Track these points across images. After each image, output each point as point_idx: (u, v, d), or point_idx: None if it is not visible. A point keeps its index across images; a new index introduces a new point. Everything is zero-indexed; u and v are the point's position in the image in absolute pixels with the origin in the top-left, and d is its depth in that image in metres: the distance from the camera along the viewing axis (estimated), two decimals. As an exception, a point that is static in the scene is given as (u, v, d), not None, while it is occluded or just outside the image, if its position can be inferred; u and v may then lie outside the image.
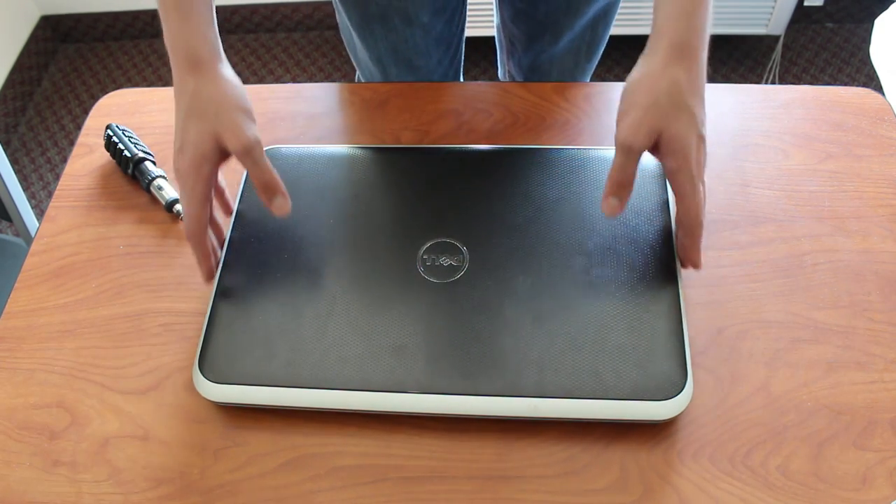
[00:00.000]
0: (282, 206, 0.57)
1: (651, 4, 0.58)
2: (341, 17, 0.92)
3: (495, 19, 1.03)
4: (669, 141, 0.53)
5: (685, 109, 0.53)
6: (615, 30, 0.96)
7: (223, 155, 0.56)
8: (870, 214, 0.64)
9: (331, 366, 0.54)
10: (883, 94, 0.76)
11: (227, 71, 0.57)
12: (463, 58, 1.01)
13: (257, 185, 0.56)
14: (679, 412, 0.52)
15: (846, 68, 1.93)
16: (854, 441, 0.52)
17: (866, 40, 1.90)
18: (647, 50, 0.55)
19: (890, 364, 0.55)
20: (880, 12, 1.37)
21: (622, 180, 0.54)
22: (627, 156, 0.53)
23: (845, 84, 1.89)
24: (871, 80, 1.89)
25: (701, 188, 0.54)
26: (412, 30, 0.87)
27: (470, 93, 0.76)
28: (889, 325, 0.57)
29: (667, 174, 0.54)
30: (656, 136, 0.53)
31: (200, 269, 0.58)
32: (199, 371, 0.55)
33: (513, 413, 0.52)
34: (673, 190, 0.54)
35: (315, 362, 0.54)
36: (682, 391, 0.51)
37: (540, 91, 0.76)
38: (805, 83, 1.91)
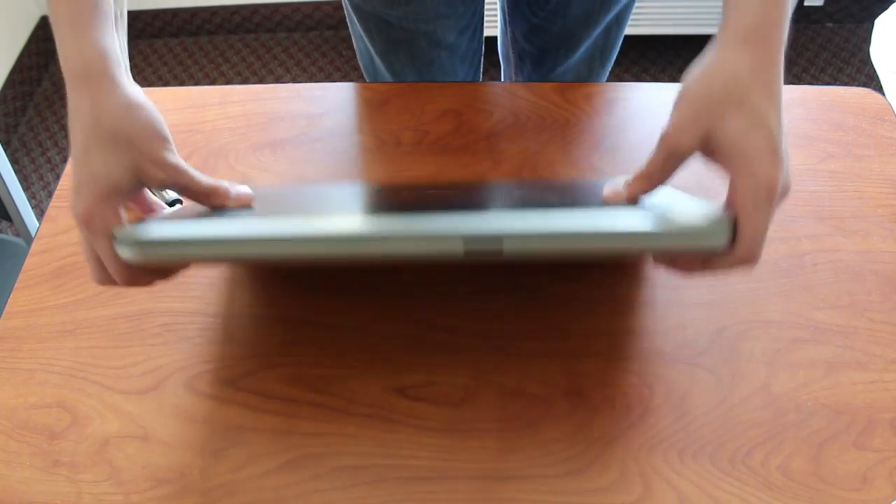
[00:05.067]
0: (237, 198, 0.51)
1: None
2: (360, 43, 0.91)
3: (501, 35, 1.00)
4: (722, 142, 0.43)
5: (744, 105, 0.43)
6: (633, 30, 0.94)
7: (137, 186, 0.47)
8: (870, 214, 0.64)
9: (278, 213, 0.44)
10: (883, 94, 0.76)
11: (130, 87, 0.47)
12: (482, 70, 1.00)
13: (204, 202, 0.50)
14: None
15: (846, 68, 1.93)
16: (854, 441, 0.52)
17: (866, 40, 1.90)
18: (712, 41, 0.47)
19: (890, 364, 0.55)
20: (880, 12, 1.37)
21: (650, 174, 0.46)
22: (667, 154, 0.45)
23: (845, 84, 1.89)
24: (871, 80, 1.89)
25: (765, 212, 0.43)
26: (438, 51, 0.86)
27: (470, 93, 0.76)
28: (889, 325, 0.57)
29: (728, 188, 0.44)
30: (703, 132, 0.44)
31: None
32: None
33: (481, 232, 0.41)
34: (731, 209, 0.44)
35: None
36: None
37: (540, 91, 0.76)
38: (805, 83, 1.91)
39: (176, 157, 0.47)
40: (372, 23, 0.84)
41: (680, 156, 0.45)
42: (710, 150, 0.45)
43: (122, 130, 0.45)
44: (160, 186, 0.48)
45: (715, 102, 0.44)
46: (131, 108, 0.46)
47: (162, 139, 0.47)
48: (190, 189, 0.49)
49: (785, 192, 0.44)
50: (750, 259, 0.44)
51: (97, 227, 0.45)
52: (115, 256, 0.45)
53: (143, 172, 0.46)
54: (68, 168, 0.72)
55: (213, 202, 0.50)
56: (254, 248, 0.43)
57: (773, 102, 0.45)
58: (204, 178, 0.49)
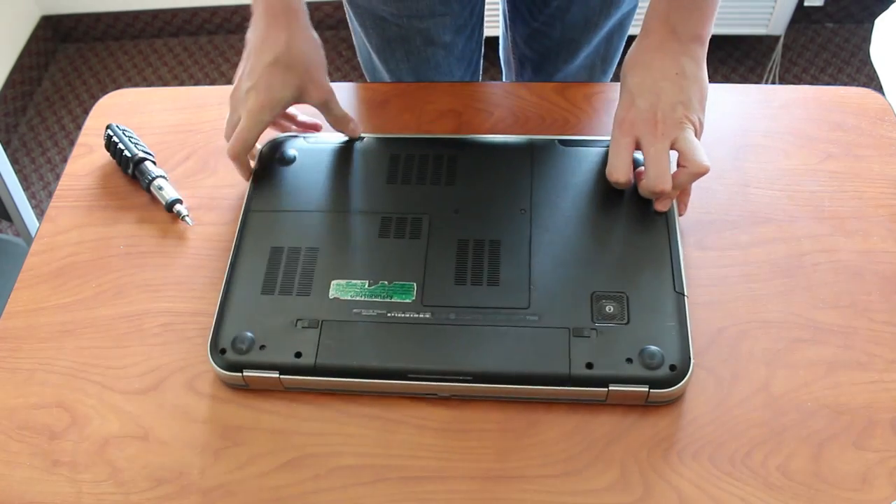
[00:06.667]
0: (354, 130, 0.68)
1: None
2: (359, 40, 0.91)
3: (502, 40, 1.00)
4: (623, 86, 0.61)
5: (648, 67, 0.60)
6: (633, 30, 0.93)
7: (295, 101, 0.64)
8: (870, 214, 0.64)
9: None
10: (883, 94, 0.76)
11: (311, 29, 0.64)
12: (481, 72, 1.00)
13: (333, 124, 0.67)
14: None
15: (846, 68, 1.93)
16: (854, 441, 0.52)
17: (866, 40, 1.90)
18: (641, 29, 0.63)
19: (890, 364, 0.55)
20: (880, 12, 1.37)
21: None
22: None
23: (845, 84, 1.89)
24: (871, 80, 1.89)
25: (661, 154, 0.58)
26: (434, 49, 0.86)
27: (470, 93, 0.76)
28: (889, 325, 0.57)
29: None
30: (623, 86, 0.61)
31: (243, 176, 0.66)
32: None
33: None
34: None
35: None
36: None
37: (540, 91, 0.76)
38: (805, 83, 1.91)
39: (329, 84, 0.65)
40: (368, 19, 0.84)
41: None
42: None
43: (300, 59, 0.63)
44: (315, 104, 0.65)
45: (629, 66, 0.62)
46: (314, 44, 0.64)
47: (325, 70, 0.65)
48: (332, 111, 0.66)
49: (670, 121, 0.59)
50: (647, 180, 0.59)
51: (254, 118, 0.62)
52: (249, 138, 0.62)
53: (305, 92, 0.63)
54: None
55: (343, 127, 0.67)
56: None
57: (676, 66, 0.60)
58: (342, 109, 0.67)
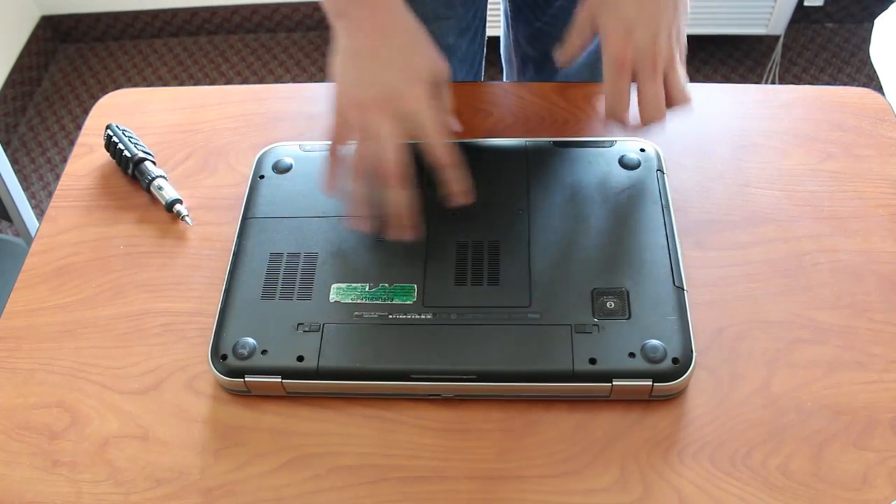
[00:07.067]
0: (454, 124, 0.64)
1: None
2: None
3: (503, 39, 0.99)
4: (597, 14, 0.60)
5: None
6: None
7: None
8: (870, 214, 0.64)
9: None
10: (883, 94, 0.76)
11: None
12: (483, 73, 0.99)
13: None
14: None
15: (846, 68, 1.93)
16: (854, 441, 0.52)
17: (866, 40, 1.90)
18: None
19: (890, 364, 0.55)
20: (880, 12, 1.37)
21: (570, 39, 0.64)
22: (576, 26, 0.63)
23: (845, 84, 1.89)
24: (871, 80, 1.89)
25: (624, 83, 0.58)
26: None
27: (469, 92, 0.76)
28: (889, 325, 0.57)
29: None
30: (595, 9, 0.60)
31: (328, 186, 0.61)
32: None
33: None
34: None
35: None
36: None
37: (540, 91, 0.76)
38: (805, 83, 1.91)
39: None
40: None
41: (581, 26, 0.63)
42: (596, 25, 0.61)
43: (428, 39, 0.60)
44: (442, 81, 0.60)
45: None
46: (420, 26, 0.61)
47: None
48: (444, 95, 0.61)
49: (652, 57, 0.58)
50: (645, 115, 0.59)
51: (430, 112, 0.57)
52: (396, 139, 0.56)
53: (443, 69, 0.60)
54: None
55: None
56: None
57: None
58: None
